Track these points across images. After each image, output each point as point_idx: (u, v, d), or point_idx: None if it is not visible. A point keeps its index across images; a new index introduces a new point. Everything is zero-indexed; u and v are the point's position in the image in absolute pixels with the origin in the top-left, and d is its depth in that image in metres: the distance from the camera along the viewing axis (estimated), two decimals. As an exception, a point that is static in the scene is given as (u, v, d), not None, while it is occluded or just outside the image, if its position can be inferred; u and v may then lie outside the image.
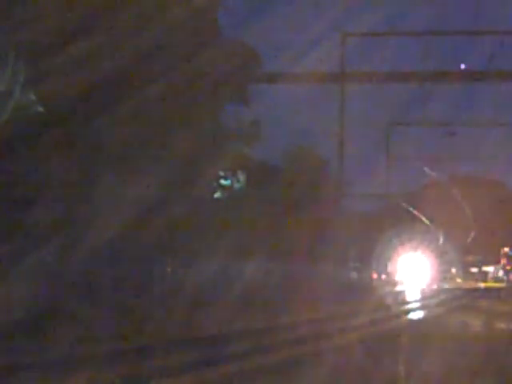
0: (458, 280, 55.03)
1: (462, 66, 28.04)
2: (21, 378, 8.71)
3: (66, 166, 16.87)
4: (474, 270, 58.90)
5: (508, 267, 54.12)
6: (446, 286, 44.44)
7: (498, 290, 43.11)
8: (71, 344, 10.94)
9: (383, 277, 45.09)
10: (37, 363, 9.33)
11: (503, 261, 55.65)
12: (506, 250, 54.77)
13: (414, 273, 46.02)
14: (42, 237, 16.14)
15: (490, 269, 57.93)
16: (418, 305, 27.10)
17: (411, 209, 43.63)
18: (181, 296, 18.72)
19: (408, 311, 23.51)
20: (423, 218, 44.52)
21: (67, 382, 8.75)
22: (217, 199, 26.61)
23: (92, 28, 16.47)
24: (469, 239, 48.03)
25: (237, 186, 27.71)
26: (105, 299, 16.76)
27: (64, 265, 16.89)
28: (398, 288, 39.95)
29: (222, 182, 27.00)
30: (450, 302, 29.20)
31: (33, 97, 14.76)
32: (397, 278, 45.31)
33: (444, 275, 51.59)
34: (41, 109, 15.37)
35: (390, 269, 45.54)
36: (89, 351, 10.41)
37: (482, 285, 50.36)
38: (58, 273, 16.54)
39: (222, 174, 26.60)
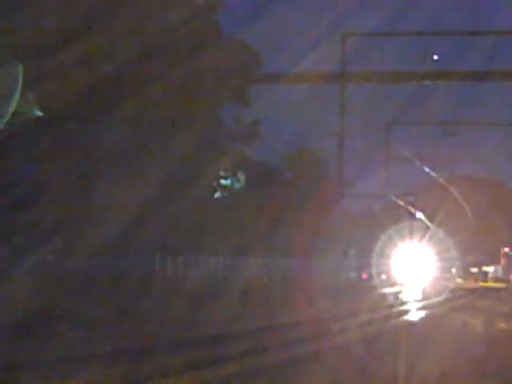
0: (458, 280, 55.01)
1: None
2: (21, 377, 8.71)
3: (65, 166, 16.87)
4: (474, 269, 58.85)
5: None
6: (446, 285, 44.43)
7: (498, 289, 43.09)
8: (71, 344, 10.95)
9: (383, 276, 45.09)
10: (37, 363, 9.34)
11: (503, 261, 55.59)
12: (506, 249, 54.71)
13: (413, 273, 46.00)
14: (41, 237, 16.15)
15: (490, 269, 57.86)
16: (417, 305, 27.09)
17: (411, 209, 43.61)
18: (181, 295, 18.74)
19: (408, 311, 23.50)
20: (423, 218, 44.49)
21: (67, 382, 8.75)
22: (217, 199, 26.61)
23: (92, 28, 16.47)
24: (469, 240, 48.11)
25: (237, 185, 27.71)
26: (105, 299, 16.76)
27: (64, 265, 16.90)
28: (398, 287, 39.94)
29: (222, 181, 27.00)
30: (449, 302, 29.19)
31: (32, 100, 14.76)
32: (397, 277, 45.30)
33: (444, 275, 51.57)
34: (39, 113, 15.36)
35: (390, 268, 45.53)
36: (89, 351, 10.41)
37: (481, 285, 50.34)
38: (58, 273, 16.55)
39: (222, 173, 26.60)
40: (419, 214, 44.28)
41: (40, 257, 16.27)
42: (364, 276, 42.26)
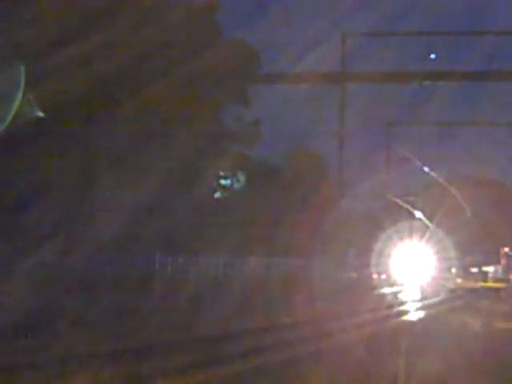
0: (458, 280, 55.01)
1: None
2: (21, 378, 8.71)
3: (65, 166, 16.88)
4: (474, 270, 58.82)
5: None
6: (447, 285, 44.47)
7: (498, 290, 43.09)
8: (71, 344, 10.95)
9: (383, 276, 45.09)
10: (37, 363, 9.34)
11: (503, 261, 55.55)
12: (506, 249, 54.67)
13: (413, 272, 46.01)
14: (41, 237, 16.15)
15: (490, 269, 57.83)
16: (417, 304, 27.09)
17: (411, 209, 43.62)
18: (181, 295, 18.73)
19: (407, 311, 23.50)
20: (423, 218, 44.50)
21: (67, 382, 8.75)
22: (217, 199, 26.62)
23: (92, 28, 16.48)
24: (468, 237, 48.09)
25: (237, 185, 27.71)
26: (105, 299, 16.76)
27: (64, 265, 16.90)
28: (398, 287, 39.95)
29: (222, 182, 27.01)
30: (449, 302, 29.20)
31: (33, 101, 14.77)
32: (396, 277, 45.30)
33: (444, 275, 51.58)
34: (41, 114, 15.39)
35: (389, 268, 45.52)
36: (89, 351, 10.41)
37: (481, 285, 50.34)
38: (58, 273, 16.55)
39: (222, 173, 26.62)
40: (419, 214, 44.30)
41: (40, 257, 16.27)
42: (364, 276, 42.23)
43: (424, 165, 39.68)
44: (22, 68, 11.26)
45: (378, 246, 40.36)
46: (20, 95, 11.58)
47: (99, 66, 16.54)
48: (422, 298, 31.43)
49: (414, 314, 22.19)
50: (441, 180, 43.22)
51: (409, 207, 43.22)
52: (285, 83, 26.62)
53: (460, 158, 42.23)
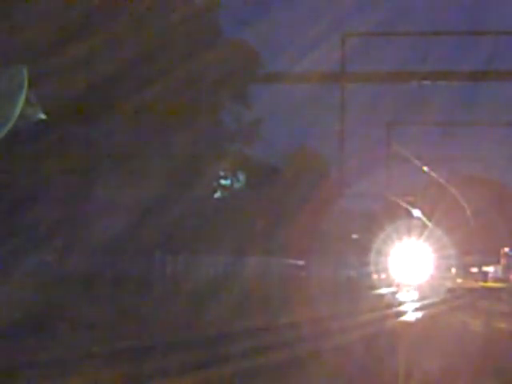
0: (458, 280, 55.02)
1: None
2: (21, 377, 8.73)
3: (66, 166, 16.88)
4: (474, 269, 58.83)
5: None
6: (446, 285, 44.51)
7: (498, 289, 43.11)
8: (71, 344, 10.96)
9: (382, 276, 45.12)
10: (37, 363, 9.35)
11: (503, 261, 55.57)
12: (506, 250, 54.68)
13: (413, 272, 46.03)
14: (41, 237, 16.16)
15: (490, 269, 57.85)
16: (416, 304, 27.11)
17: (411, 208, 43.64)
18: (181, 295, 18.76)
19: (407, 311, 23.52)
20: (423, 218, 44.51)
21: (67, 382, 8.77)
22: (217, 199, 26.62)
23: (92, 28, 16.48)
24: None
25: (237, 185, 27.71)
26: (105, 299, 16.78)
27: (64, 265, 16.91)
28: (397, 287, 39.97)
29: (222, 182, 27.01)
30: (449, 302, 29.21)
31: (35, 103, 14.76)
32: (396, 277, 45.32)
33: (444, 275, 51.60)
34: (43, 116, 15.38)
35: (389, 268, 45.54)
36: (89, 351, 10.42)
37: (481, 285, 50.37)
38: (58, 273, 16.56)
39: (222, 173, 26.62)
40: (419, 214, 44.31)
41: (40, 257, 16.28)
42: (363, 275, 42.24)
43: (424, 165, 39.70)
44: (25, 69, 11.28)
45: (377, 246, 40.39)
46: (23, 97, 11.60)
47: (99, 65, 16.54)
48: (422, 298, 31.44)
49: (413, 314, 22.21)
50: (441, 180, 43.24)
51: (409, 207, 43.24)
52: (285, 83, 26.61)
53: (460, 158, 42.23)
